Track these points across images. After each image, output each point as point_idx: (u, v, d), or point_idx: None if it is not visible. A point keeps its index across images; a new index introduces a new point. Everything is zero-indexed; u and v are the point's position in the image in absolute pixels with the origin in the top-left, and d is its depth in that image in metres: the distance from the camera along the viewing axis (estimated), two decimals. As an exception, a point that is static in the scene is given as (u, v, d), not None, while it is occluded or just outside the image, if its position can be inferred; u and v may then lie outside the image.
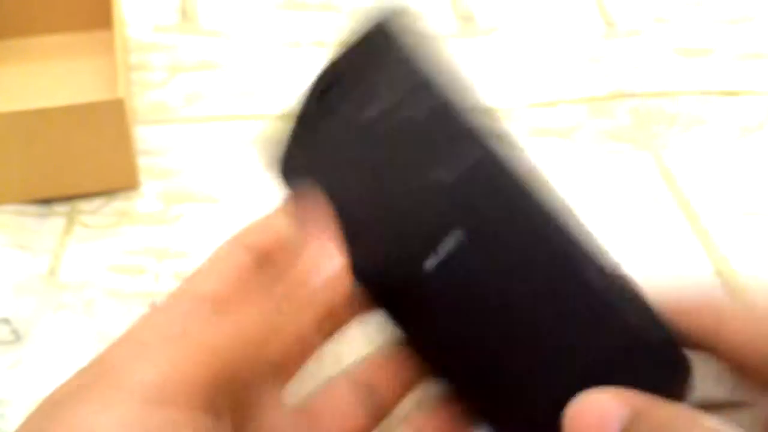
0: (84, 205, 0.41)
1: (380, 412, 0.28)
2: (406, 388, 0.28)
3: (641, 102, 0.48)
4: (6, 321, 0.36)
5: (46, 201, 0.41)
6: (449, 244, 0.25)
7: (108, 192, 0.42)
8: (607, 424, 0.21)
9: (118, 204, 0.41)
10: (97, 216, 0.41)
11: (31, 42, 0.49)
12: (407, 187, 0.26)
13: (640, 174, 0.43)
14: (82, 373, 0.22)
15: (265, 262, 0.27)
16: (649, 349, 0.23)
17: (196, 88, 0.48)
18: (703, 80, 0.49)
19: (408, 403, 0.28)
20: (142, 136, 0.45)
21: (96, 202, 0.41)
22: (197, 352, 0.22)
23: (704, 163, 0.44)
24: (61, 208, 0.41)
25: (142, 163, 0.43)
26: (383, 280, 0.27)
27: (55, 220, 0.41)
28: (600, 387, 0.22)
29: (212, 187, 0.42)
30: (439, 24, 0.52)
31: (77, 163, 0.40)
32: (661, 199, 0.42)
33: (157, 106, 0.46)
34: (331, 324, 0.28)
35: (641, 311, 0.23)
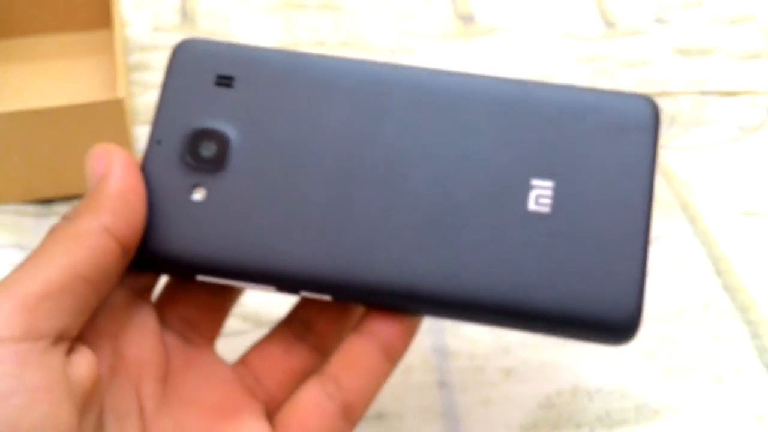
0: (84, 205, 0.41)
1: (321, 343, 0.27)
2: (344, 317, 0.28)
3: (641, 102, 0.48)
4: (6, 321, 0.36)
5: (46, 201, 0.41)
6: None
7: (108, 192, 0.42)
8: None
9: (118, 204, 0.41)
10: (97, 216, 0.41)
11: (31, 42, 0.49)
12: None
13: (640, 174, 0.43)
14: None
15: None
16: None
17: (196, 88, 0.48)
18: (703, 80, 0.49)
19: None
20: (142, 136, 0.45)
21: (96, 202, 0.41)
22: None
23: (704, 163, 0.44)
24: (61, 208, 0.41)
25: (142, 163, 0.43)
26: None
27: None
28: None
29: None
30: (439, 24, 0.53)
31: (77, 163, 0.40)
32: (662, 198, 0.42)
33: (157, 106, 0.46)
34: None
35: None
